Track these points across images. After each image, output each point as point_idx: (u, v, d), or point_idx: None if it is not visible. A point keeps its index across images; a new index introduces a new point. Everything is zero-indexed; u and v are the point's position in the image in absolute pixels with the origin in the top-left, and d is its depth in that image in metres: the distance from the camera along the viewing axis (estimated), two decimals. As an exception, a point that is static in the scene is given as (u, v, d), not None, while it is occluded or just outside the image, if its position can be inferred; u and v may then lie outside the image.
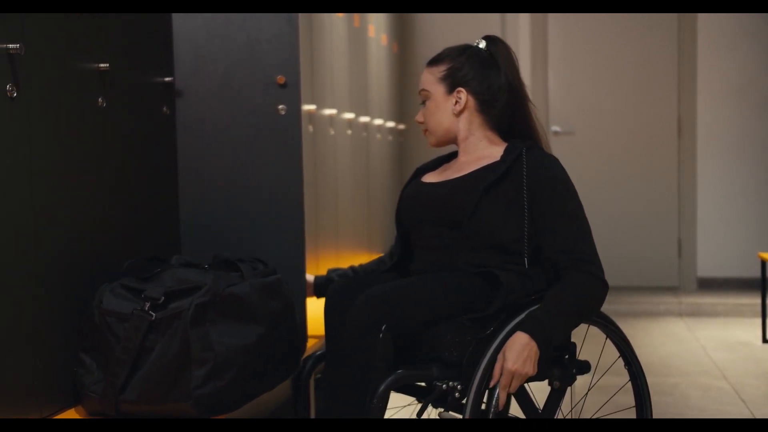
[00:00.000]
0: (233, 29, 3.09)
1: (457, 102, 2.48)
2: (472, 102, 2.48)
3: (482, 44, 2.52)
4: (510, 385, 2.21)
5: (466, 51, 2.50)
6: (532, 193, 2.35)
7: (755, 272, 6.03)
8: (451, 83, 2.48)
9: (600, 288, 2.34)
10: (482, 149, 2.49)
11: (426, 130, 2.55)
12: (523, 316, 2.28)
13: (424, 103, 2.53)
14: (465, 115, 2.49)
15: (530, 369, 2.21)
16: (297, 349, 2.54)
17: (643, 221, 6.62)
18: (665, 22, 6.56)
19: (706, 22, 6.47)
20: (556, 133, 6.70)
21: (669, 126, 6.61)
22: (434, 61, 2.53)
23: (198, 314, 2.25)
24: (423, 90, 2.53)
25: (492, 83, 2.47)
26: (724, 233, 6.51)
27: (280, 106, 3.08)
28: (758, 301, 5.45)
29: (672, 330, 5.53)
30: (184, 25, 3.09)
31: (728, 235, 6.50)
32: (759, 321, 5.24)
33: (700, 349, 4.96)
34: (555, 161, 2.42)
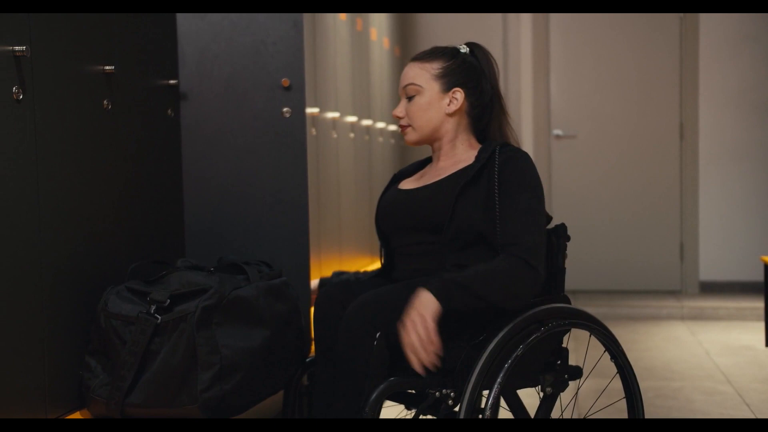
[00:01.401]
0: (238, 32, 3.08)
1: (451, 102, 2.44)
2: (465, 104, 2.46)
3: (465, 49, 2.50)
4: (415, 332, 2.16)
5: (459, 54, 2.48)
6: (501, 186, 2.34)
7: (757, 276, 6.03)
8: (448, 82, 2.44)
9: (529, 273, 2.27)
10: (461, 153, 2.47)
11: (407, 126, 2.48)
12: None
13: (411, 98, 2.46)
14: (456, 116, 2.46)
15: (427, 315, 2.16)
16: (302, 351, 2.53)
17: (645, 225, 6.62)
18: (667, 25, 6.56)
19: (709, 26, 6.47)
20: (557, 136, 6.70)
21: (671, 130, 6.61)
22: (425, 58, 2.48)
23: (204, 317, 2.24)
24: (412, 84, 2.45)
25: (482, 88, 2.47)
26: (726, 237, 6.51)
27: (285, 109, 3.07)
28: (761, 304, 5.44)
29: (674, 334, 5.52)
30: (189, 27, 3.08)
31: (730, 239, 6.50)
32: (762, 325, 5.23)
33: (703, 353, 4.94)
34: (527, 156, 2.40)
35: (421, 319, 2.17)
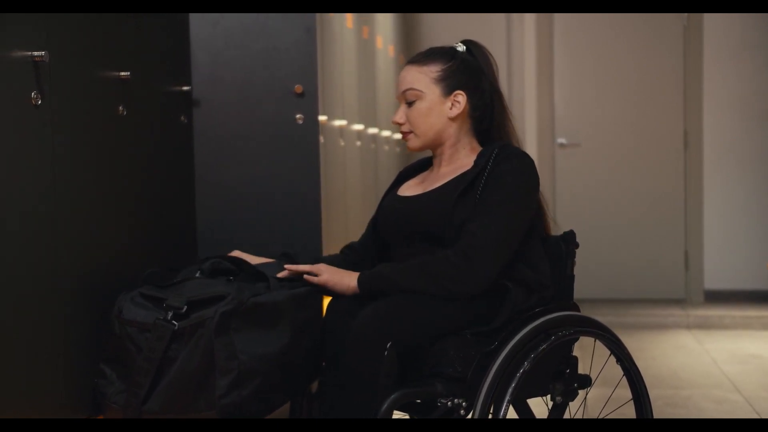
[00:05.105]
0: (250, 38, 3.08)
1: (453, 106, 2.39)
2: (467, 107, 2.41)
3: (462, 48, 2.44)
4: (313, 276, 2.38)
5: (457, 54, 2.42)
6: (486, 183, 2.30)
7: (763, 284, 6.03)
8: (449, 86, 2.38)
9: (463, 269, 2.24)
10: (463, 158, 2.43)
11: (408, 132, 2.42)
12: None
13: (411, 103, 2.40)
14: (458, 120, 2.41)
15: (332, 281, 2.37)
16: (319, 359, 2.52)
17: (649, 233, 6.61)
18: (671, 32, 6.57)
19: (712, 33, 6.47)
20: (561, 145, 6.70)
21: (675, 137, 6.61)
22: (422, 60, 2.41)
23: (223, 322, 2.23)
24: (411, 89, 2.39)
25: (483, 88, 2.42)
26: (731, 245, 6.50)
27: (298, 116, 3.07)
28: (767, 313, 5.43)
29: (681, 342, 5.51)
30: (202, 33, 3.08)
31: (735, 247, 6.49)
32: (768, 333, 5.23)
33: (710, 362, 4.93)
34: (524, 158, 2.35)
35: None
